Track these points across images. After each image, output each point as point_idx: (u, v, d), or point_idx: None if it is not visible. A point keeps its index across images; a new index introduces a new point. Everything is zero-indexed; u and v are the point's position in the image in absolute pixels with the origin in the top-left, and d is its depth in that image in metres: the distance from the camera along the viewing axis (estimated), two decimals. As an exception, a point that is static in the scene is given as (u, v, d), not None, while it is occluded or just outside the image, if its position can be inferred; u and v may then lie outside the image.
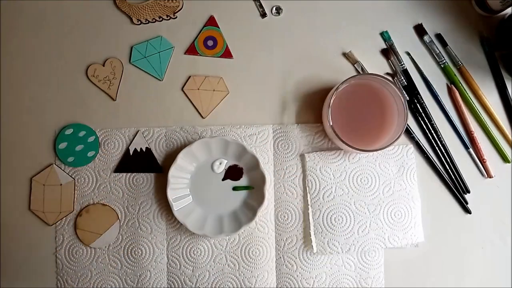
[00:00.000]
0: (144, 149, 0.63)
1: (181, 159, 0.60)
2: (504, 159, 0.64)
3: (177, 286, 0.62)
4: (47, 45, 0.64)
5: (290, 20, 0.64)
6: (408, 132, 0.63)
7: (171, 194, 0.60)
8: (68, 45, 0.64)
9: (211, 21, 0.64)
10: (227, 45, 0.64)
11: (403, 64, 0.64)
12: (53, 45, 0.64)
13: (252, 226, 0.62)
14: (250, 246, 0.62)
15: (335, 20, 0.64)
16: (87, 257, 0.62)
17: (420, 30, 0.64)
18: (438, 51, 0.64)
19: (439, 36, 0.64)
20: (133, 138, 0.63)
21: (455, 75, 0.64)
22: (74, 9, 0.64)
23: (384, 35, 0.64)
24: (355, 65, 0.64)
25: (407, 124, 0.60)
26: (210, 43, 0.64)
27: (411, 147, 0.63)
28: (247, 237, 0.62)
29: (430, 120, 0.63)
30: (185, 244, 0.62)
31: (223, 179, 0.62)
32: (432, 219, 0.63)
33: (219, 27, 0.64)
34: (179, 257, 0.62)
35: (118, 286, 0.62)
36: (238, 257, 0.62)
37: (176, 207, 0.60)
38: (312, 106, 0.64)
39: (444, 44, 0.64)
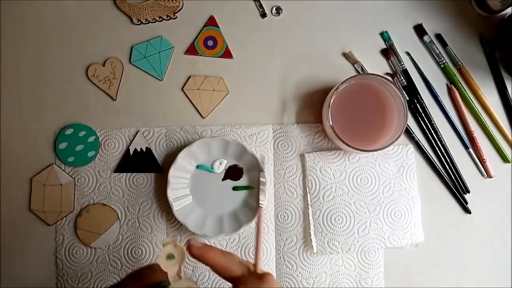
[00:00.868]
0: (144, 149, 0.63)
1: (181, 159, 0.60)
2: (504, 159, 0.64)
3: (177, 286, 0.62)
4: (47, 45, 0.64)
5: (290, 20, 0.64)
6: (408, 132, 0.63)
7: (171, 194, 0.60)
8: (68, 45, 0.64)
9: (211, 21, 0.64)
10: (227, 45, 0.64)
11: (403, 64, 0.64)
12: (53, 45, 0.64)
13: (252, 226, 0.62)
14: (250, 246, 0.62)
15: (335, 20, 0.64)
16: (87, 257, 0.62)
17: (420, 30, 0.64)
18: (438, 51, 0.64)
19: (439, 36, 0.64)
20: (133, 138, 0.63)
21: (455, 75, 0.64)
22: (74, 9, 0.64)
23: (384, 35, 0.64)
24: (355, 65, 0.64)
25: (407, 124, 0.60)
26: (210, 43, 0.64)
27: (411, 147, 0.63)
28: (247, 237, 0.62)
29: (430, 120, 0.63)
30: (185, 244, 0.62)
31: (223, 179, 0.62)
32: (432, 219, 0.63)
33: (219, 27, 0.64)
34: (179, 257, 0.62)
35: (118, 286, 0.62)
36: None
37: (176, 207, 0.60)
38: (312, 106, 0.64)
39: (444, 44, 0.64)
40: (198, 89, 0.63)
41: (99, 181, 0.63)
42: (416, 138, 0.63)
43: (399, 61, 0.64)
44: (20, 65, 0.64)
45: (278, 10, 0.64)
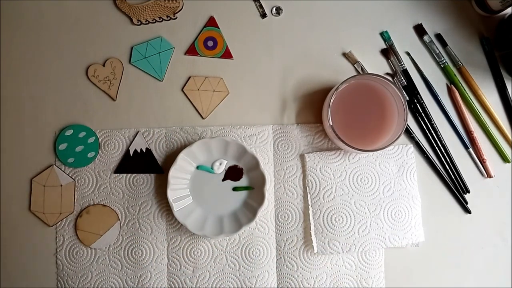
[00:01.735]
0: (144, 150, 0.63)
1: (181, 159, 0.60)
2: (504, 159, 0.64)
3: (177, 287, 0.62)
4: (47, 45, 0.64)
5: (290, 20, 0.64)
6: (408, 132, 0.63)
7: (171, 195, 0.60)
8: (68, 45, 0.64)
9: (211, 22, 0.64)
10: (227, 46, 0.64)
11: (403, 64, 0.64)
12: (53, 45, 0.64)
13: (252, 227, 0.62)
14: (250, 247, 0.62)
15: (335, 20, 0.64)
16: (87, 258, 0.62)
17: (420, 30, 0.64)
18: (438, 51, 0.64)
19: (439, 36, 0.64)
20: (133, 139, 0.63)
21: (455, 75, 0.64)
22: (74, 9, 0.64)
23: (384, 35, 0.64)
24: (355, 65, 0.64)
25: (407, 124, 0.60)
26: (210, 43, 0.63)
27: (411, 147, 0.63)
28: (248, 237, 0.62)
29: (430, 120, 0.63)
30: (185, 244, 0.62)
31: (223, 180, 0.62)
32: (432, 219, 0.63)
33: (219, 28, 0.64)
34: (180, 257, 0.62)
35: (118, 287, 0.62)
36: (239, 258, 0.62)
37: (176, 207, 0.60)
38: (312, 106, 0.64)
39: (444, 44, 0.64)
40: (198, 89, 0.63)
41: (99, 182, 0.63)
42: (416, 138, 0.63)
43: (399, 61, 0.64)
44: (20, 65, 0.64)
45: (278, 10, 0.64)
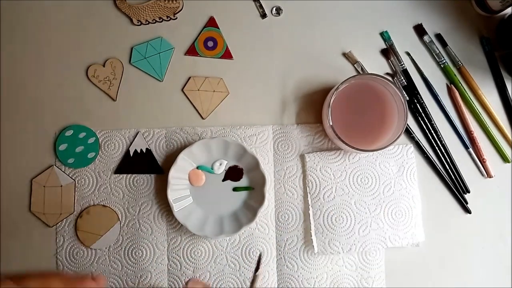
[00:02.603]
0: (144, 150, 0.63)
1: (181, 160, 0.60)
2: (504, 159, 0.64)
3: (177, 287, 0.62)
4: (47, 45, 0.64)
5: (290, 21, 0.64)
6: (408, 132, 0.63)
7: (171, 195, 0.60)
8: (68, 45, 0.64)
9: (211, 22, 0.64)
10: (227, 46, 0.64)
11: (403, 64, 0.64)
12: (53, 46, 0.64)
13: (252, 227, 0.62)
14: (250, 247, 0.62)
15: (335, 20, 0.64)
16: (87, 258, 0.62)
17: (420, 30, 0.64)
18: (438, 51, 0.64)
19: (439, 36, 0.64)
20: (133, 139, 0.63)
21: (455, 75, 0.64)
22: (74, 9, 0.64)
23: (384, 35, 0.64)
24: (355, 65, 0.64)
25: (407, 124, 0.60)
26: (210, 44, 0.63)
27: (411, 147, 0.63)
28: (248, 237, 0.62)
29: (430, 120, 0.64)
30: (185, 245, 0.62)
31: (223, 180, 0.62)
32: (432, 219, 0.63)
33: (219, 28, 0.64)
34: (180, 258, 0.62)
35: (118, 287, 0.62)
36: (239, 258, 0.62)
37: (176, 208, 0.60)
38: (312, 106, 0.64)
39: (444, 44, 0.64)
40: (198, 90, 0.63)
41: (99, 182, 0.63)
42: (416, 138, 0.63)
43: (399, 61, 0.64)
44: (20, 66, 0.63)
45: (278, 11, 0.64)
